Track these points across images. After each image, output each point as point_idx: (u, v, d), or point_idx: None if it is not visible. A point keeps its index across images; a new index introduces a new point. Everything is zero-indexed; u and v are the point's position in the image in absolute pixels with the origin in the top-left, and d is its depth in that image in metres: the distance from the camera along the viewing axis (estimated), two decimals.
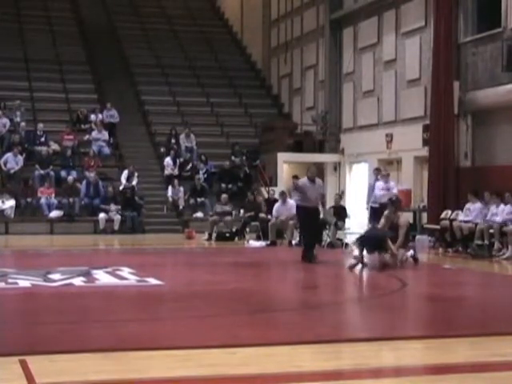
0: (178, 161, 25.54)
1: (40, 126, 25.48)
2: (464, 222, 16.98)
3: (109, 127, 26.44)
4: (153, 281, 11.36)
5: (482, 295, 11.02)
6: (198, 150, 26.38)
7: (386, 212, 14.13)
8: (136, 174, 24.17)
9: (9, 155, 23.99)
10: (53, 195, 23.33)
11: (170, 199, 24.14)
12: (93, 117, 26.53)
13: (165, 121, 27.90)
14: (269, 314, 8.83)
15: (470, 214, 17.01)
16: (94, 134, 25.87)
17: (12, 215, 22.54)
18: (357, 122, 25.44)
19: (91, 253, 17.71)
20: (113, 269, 12.63)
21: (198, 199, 24.11)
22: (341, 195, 21.96)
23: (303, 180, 15.24)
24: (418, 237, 18.17)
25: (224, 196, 22.20)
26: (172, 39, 33.01)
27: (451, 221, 17.52)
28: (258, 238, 19.98)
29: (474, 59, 20.00)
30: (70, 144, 25.26)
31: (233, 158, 26.38)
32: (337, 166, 26.33)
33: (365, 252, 13.73)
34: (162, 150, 26.36)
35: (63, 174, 24.33)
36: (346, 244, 18.12)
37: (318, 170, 25.94)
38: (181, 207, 24.08)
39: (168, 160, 25.38)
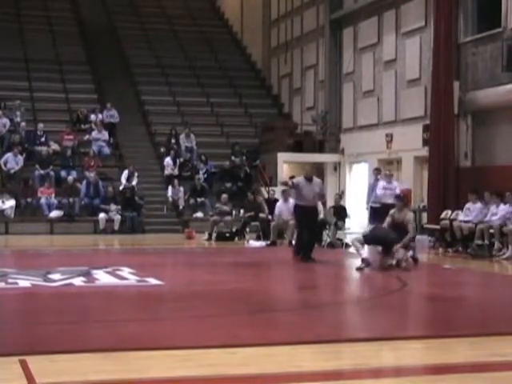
0: (178, 161, 25.54)
1: (40, 125, 25.49)
2: (464, 221, 16.98)
3: (109, 127, 26.44)
4: (153, 281, 11.36)
5: (482, 295, 11.01)
6: (197, 150, 26.38)
7: (391, 211, 14.13)
8: (136, 174, 24.16)
9: (9, 155, 23.99)
10: (53, 195, 23.32)
11: (170, 199, 24.14)
12: (93, 117, 26.53)
13: (165, 121, 27.91)
14: (269, 313, 8.82)
15: (469, 213, 17.01)
16: (94, 134, 25.87)
17: (12, 215, 22.54)
18: (357, 121, 25.46)
19: (91, 253, 17.70)
20: (113, 269, 12.62)
21: (198, 199, 24.10)
22: (341, 195, 21.95)
23: (299, 179, 15.33)
24: (418, 237, 18.13)
25: (224, 196, 22.21)
26: (172, 39, 33.02)
27: (451, 221, 17.51)
28: (258, 238, 19.97)
29: (474, 59, 20.01)
30: (70, 144, 25.26)
31: (233, 157, 26.38)
32: (337, 166, 26.35)
33: (366, 248, 13.81)
34: (162, 149, 26.36)
35: (63, 174, 24.32)
36: (346, 244, 18.11)
37: (318, 170, 26.13)
38: (181, 207, 24.08)
39: (168, 160, 25.38)
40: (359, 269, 13.23)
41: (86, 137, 26.01)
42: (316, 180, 15.25)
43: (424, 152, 20.96)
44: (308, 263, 14.38)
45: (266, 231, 19.80)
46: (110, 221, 22.84)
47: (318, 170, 26.32)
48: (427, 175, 20.69)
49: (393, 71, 23.49)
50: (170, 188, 24.27)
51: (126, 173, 24.12)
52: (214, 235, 20.75)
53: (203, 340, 6.97)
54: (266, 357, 6.40)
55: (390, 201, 16.79)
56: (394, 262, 13.31)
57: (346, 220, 19.51)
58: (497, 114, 19.45)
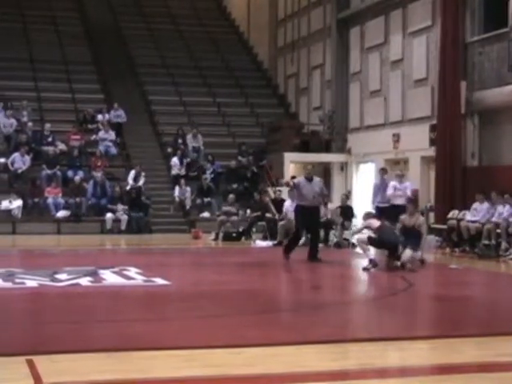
0: (184, 161, 25.54)
1: (47, 125, 25.53)
2: (471, 221, 16.95)
3: (116, 127, 26.48)
4: (159, 281, 11.37)
5: (489, 295, 11.00)
6: (204, 150, 26.39)
7: (402, 216, 14.11)
8: (143, 174, 24.18)
9: (16, 155, 24.04)
10: (60, 195, 23.36)
11: (177, 199, 24.15)
12: (100, 117, 26.56)
13: (171, 121, 27.92)
14: (275, 314, 8.83)
15: (477, 213, 16.98)
16: (101, 133, 25.90)
17: (19, 215, 22.58)
18: (363, 121, 25.41)
19: (98, 253, 17.73)
20: (119, 269, 12.64)
21: (205, 199, 24.12)
22: (347, 195, 21.91)
23: (299, 179, 15.42)
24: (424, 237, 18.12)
25: (231, 196, 22.21)
26: (178, 39, 33.02)
27: (458, 221, 17.49)
28: (265, 238, 19.98)
29: (481, 59, 19.97)
30: (77, 144, 25.29)
31: (239, 157, 26.36)
32: (343, 166, 26.29)
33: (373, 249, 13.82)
34: (169, 149, 26.37)
35: (70, 173, 24.35)
36: (353, 244, 18.09)
37: (325, 170, 26.11)
38: (187, 207, 24.08)
39: (175, 160, 25.39)
40: (365, 269, 13.22)
41: (93, 137, 26.04)
42: (316, 180, 15.24)
43: (431, 152, 20.92)
44: (314, 263, 14.37)
45: (272, 231, 19.80)
46: (116, 221, 22.87)
47: (325, 169, 26.34)
48: (434, 175, 20.64)
49: (400, 71, 23.45)
50: (176, 188, 24.29)
51: (132, 173, 24.13)
52: (220, 235, 20.77)
53: (208, 340, 6.97)
54: (271, 357, 6.40)
55: (400, 202, 16.78)
56: (399, 263, 13.30)
57: (353, 220, 19.49)
58: (504, 114, 19.40)
